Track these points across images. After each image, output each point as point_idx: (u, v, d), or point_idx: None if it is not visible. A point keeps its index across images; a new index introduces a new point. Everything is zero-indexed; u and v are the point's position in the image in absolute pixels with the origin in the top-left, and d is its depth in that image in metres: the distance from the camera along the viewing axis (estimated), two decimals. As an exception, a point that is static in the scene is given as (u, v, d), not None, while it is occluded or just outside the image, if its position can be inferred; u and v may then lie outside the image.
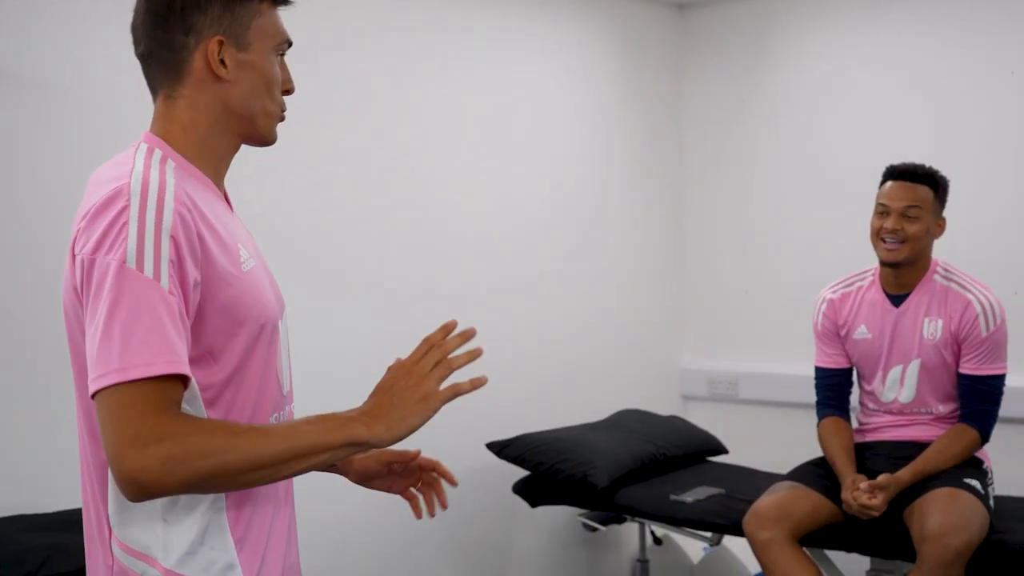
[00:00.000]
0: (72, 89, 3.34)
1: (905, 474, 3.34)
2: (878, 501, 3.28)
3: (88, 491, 1.71)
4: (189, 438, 1.50)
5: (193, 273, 1.58)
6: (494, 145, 4.50)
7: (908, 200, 3.41)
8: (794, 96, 4.94)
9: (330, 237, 3.99)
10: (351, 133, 4.03)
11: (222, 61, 1.71)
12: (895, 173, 3.49)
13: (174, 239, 1.56)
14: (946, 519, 3.14)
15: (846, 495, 3.33)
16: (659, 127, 5.19)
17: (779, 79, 4.98)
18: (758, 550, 3.36)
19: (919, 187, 3.43)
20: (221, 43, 1.70)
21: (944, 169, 3.54)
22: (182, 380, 1.54)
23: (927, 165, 3.48)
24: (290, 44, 1.81)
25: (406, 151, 4.20)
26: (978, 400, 3.42)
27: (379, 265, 4.13)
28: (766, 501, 3.42)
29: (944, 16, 4.51)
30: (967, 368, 3.43)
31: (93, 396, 1.52)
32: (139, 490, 1.50)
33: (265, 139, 1.80)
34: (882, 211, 3.46)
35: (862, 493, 3.30)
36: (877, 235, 3.47)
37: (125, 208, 1.55)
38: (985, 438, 3.45)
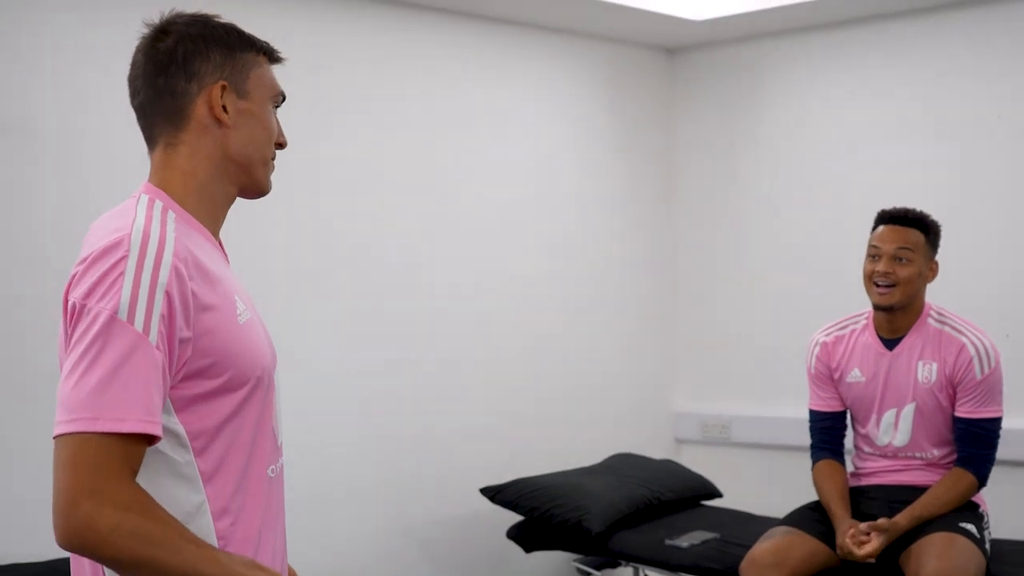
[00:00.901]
0: (63, 137, 3.36)
1: (902, 519, 3.33)
2: (870, 547, 3.26)
3: None
4: (144, 520, 1.50)
5: (182, 329, 1.59)
6: (484, 193, 4.51)
7: (899, 243, 3.42)
8: (784, 139, 4.97)
9: (322, 281, 3.99)
10: (338, 181, 4.05)
11: (223, 107, 1.73)
12: (886, 217, 3.50)
13: (168, 294, 1.57)
14: (942, 564, 3.13)
15: (840, 540, 3.33)
16: (649, 170, 5.21)
17: (769, 122, 5.01)
18: None
19: (910, 231, 3.44)
20: (224, 88, 1.73)
21: (933, 212, 3.56)
22: (147, 439, 1.55)
23: (918, 209, 3.50)
24: (284, 98, 1.84)
25: (396, 199, 4.22)
26: (974, 444, 3.42)
27: (370, 308, 4.13)
28: (762, 547, 3.41)
29: (932, 60, 4.56)
30: (963, 411, 3.43)
31: (56, 437, 1.52)
32: (74, 542, 1.50)
33: (260, 188, 1.82)
34: (874, 254, 3.47)
35: (856, 538, 3.29)
36: (869, 279, 3.48)
37: (123, 258, 1.57)
38: (982, 482, 3.44)
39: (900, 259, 3.42)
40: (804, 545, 3.38)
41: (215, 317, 1.64)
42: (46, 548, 3.10)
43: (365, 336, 4.11)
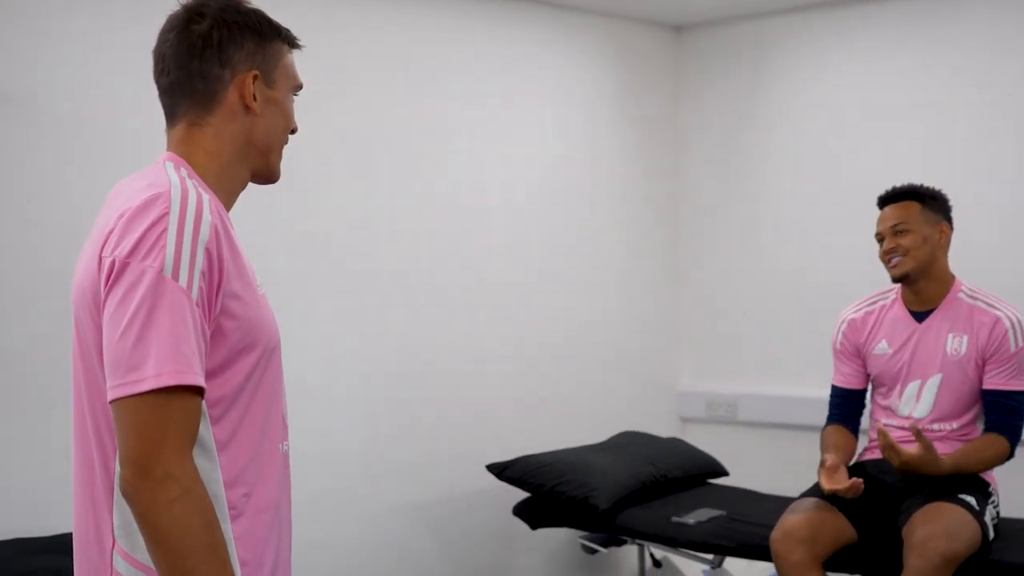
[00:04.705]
0: (52, 107, 3.34)
1: (945, 461, 3.31)
2: (841, 485, 3.27)
3: (87, 500, 1.70)
4: (198, 511, 1.53)
5: (216, 287, 1.61)
6: (490, 169, 4.50)
7: (894, 220, 3.52)
8: (791, 117, 4.95)
9: (333, 261, 3.98)
10: (348, 161, 4.03)
11: (254, 95, 1.77)
12: (881, 200, 3.61)
13: (208, 251, 1.59)
14: (935, 528, 3.16)
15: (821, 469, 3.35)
16: (656, 148, 5.19)
17: (775, 100, 4.99)
18: (787, 571, 3.33)
19: (904, 204, 3.53)
20: (256, 77, 1.77)
21: (942, 189, 3.58)
22: (201, 394, 1.58)
23: (909, 183, 3.57)
24: (301, 88, 1.88)
25: (400, 176, 4.20)
26: (1005, 414, 3.44)
27: (380, 288, 4.12)
28: (796, 519, 3.37)
29: (940, 37, 4.53)
30: (993, 383, 3.45)
31: (121, 398, 1.53)
32: (145, 482, 1.51)
33: (273, 174, 1.86)
34: (879, 238, 3.57)
35: (831, 476, 3.31)
36: (883, 261, 3.55)
37: (165, 214, 1.58)
38: (1011, 452, 3.44)
39: (899, 231, 3.50)
40: (835, 522, 3.36)
41: (240, 283, 1.67)
42: (49, 523, 3.11)
43: (374, 315, 4.09)
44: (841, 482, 3.29)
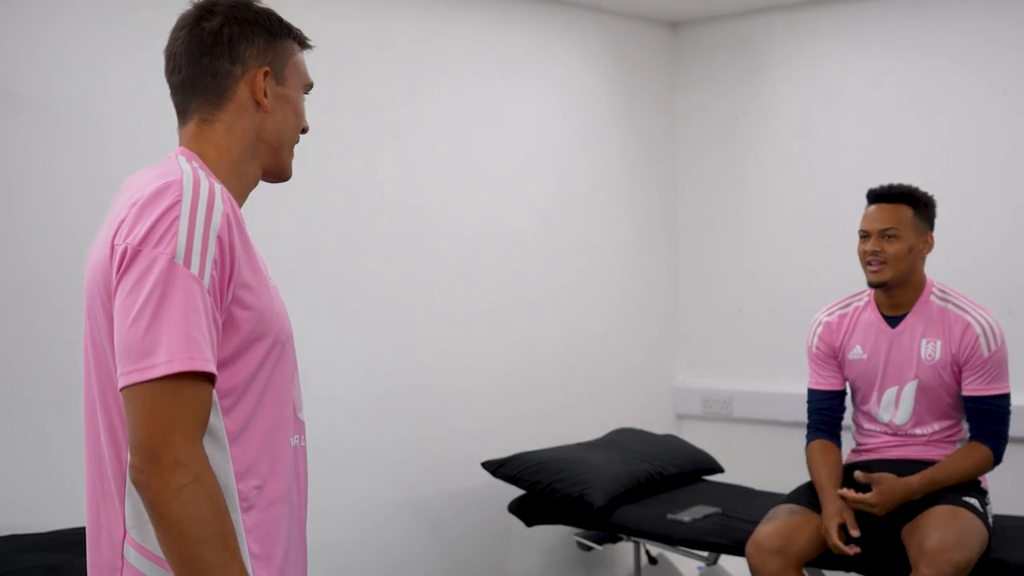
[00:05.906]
0: (63, 106, 3.33)
1: (917, 481, 3.32)
2: (853, 548, 3.28)
3: (97, 491, 1.70)
4: (208, 499, 1.53)
5: (228, 276, 1.62)
6: (487, 166, 4.49)
7: (885, 222, 3.43)
8: (787, 114, 4.95)
9: (325, 263, 3.97)
10: (341, 156, 4.01)
11: (264, 91, 1.78)
12: (873, 196, 3.51)
13: (220, 240, 1.60)
14: (947, 536, 3.13)
15: (827, 523, 3.32)
16: (652, 145, 5.19)
17: (772, 97, 4.99)
18: None
19: (897, 207, 3.44)
20: (267, 74, 1.78)
21: (935, 188, 3.55)
22: (212, 381, 1.59)
23: (906, 184, 3.49)
24: (312, 87, 1.89)
25: (398, 173, 4.19)
26: (987, 420, 3.42)
27: (373, 286, 4.11)
28: (766, 530, 3.38)
29: (936, 35, 4.53)
30: (972, 390, 3.42)
31: (132, 385, 1.53)
32: (155, 468, 1.51)
33: (284, 172, 1.87)
34: (863, 235, 3.48)
35: (842, 535, 3.31)
36: (862, 259, 3.48)
37: (177, 202, 1.59)
38: (997, 457, 3.43)
39: (888, 236, 3.42)
40: (809, 524, 3.36)
41: (252, 273, 1.68)
42: (46, 520, 3.11)
43: (367, 313, 4.09)
44: (843, 538, 3.30)
